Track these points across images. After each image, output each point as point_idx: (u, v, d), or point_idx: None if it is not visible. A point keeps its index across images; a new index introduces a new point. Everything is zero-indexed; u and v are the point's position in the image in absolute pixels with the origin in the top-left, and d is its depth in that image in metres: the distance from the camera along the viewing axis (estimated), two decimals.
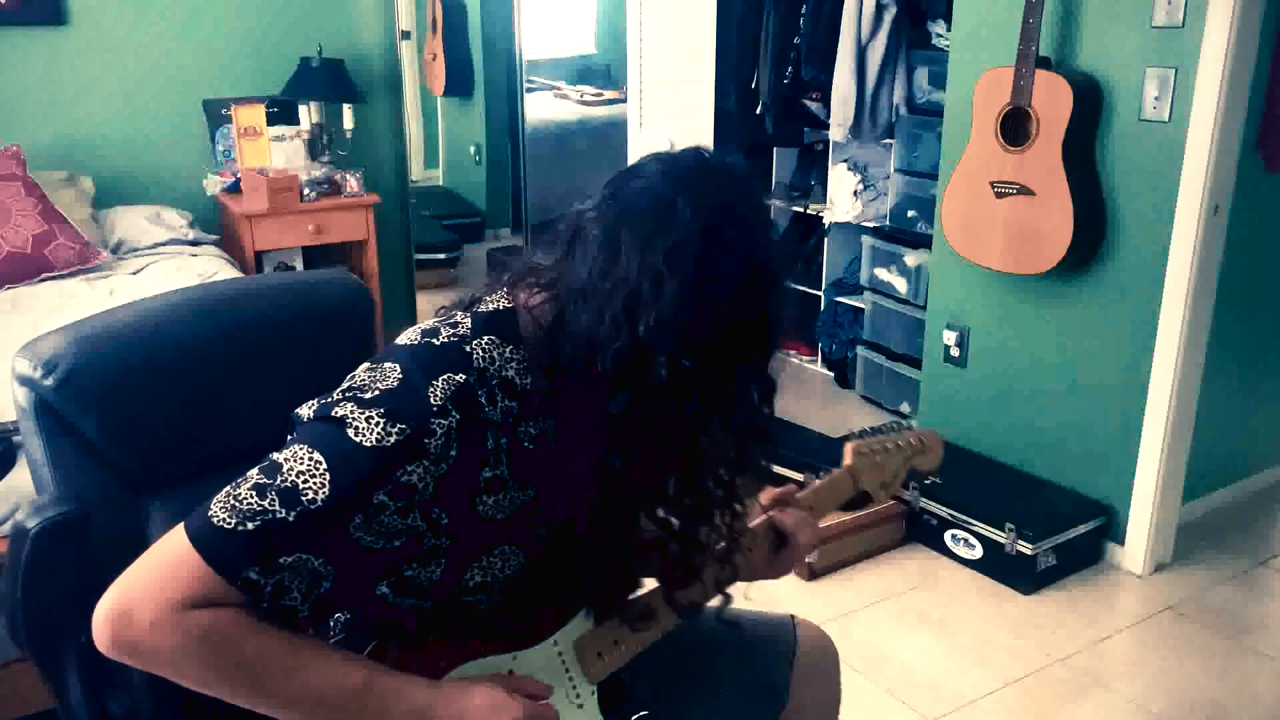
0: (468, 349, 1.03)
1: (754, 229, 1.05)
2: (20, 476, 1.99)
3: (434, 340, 1.04)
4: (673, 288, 0.99)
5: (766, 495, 1.34)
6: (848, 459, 1.41)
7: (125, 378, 1.26)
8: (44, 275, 3.17)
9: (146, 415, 1.28)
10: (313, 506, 0.96)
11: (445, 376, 1.01)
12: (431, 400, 0.99)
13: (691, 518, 1.16)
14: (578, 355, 1.03)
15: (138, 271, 3.30)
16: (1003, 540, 2.84)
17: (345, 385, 1.03)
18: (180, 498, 1.28)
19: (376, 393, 1.00)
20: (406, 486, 0.99)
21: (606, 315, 1.00)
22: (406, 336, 1.07)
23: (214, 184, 3.84)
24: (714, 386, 1.04)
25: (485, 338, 1.04)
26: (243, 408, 1.35)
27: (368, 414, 0.98)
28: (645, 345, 1.00)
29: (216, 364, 1.34)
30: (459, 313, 1.08)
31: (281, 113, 3.90)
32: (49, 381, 1.22)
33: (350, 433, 0.98)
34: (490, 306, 1.09)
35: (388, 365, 1.03)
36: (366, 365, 1.05)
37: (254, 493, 0.97)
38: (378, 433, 0.98)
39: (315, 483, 0.97)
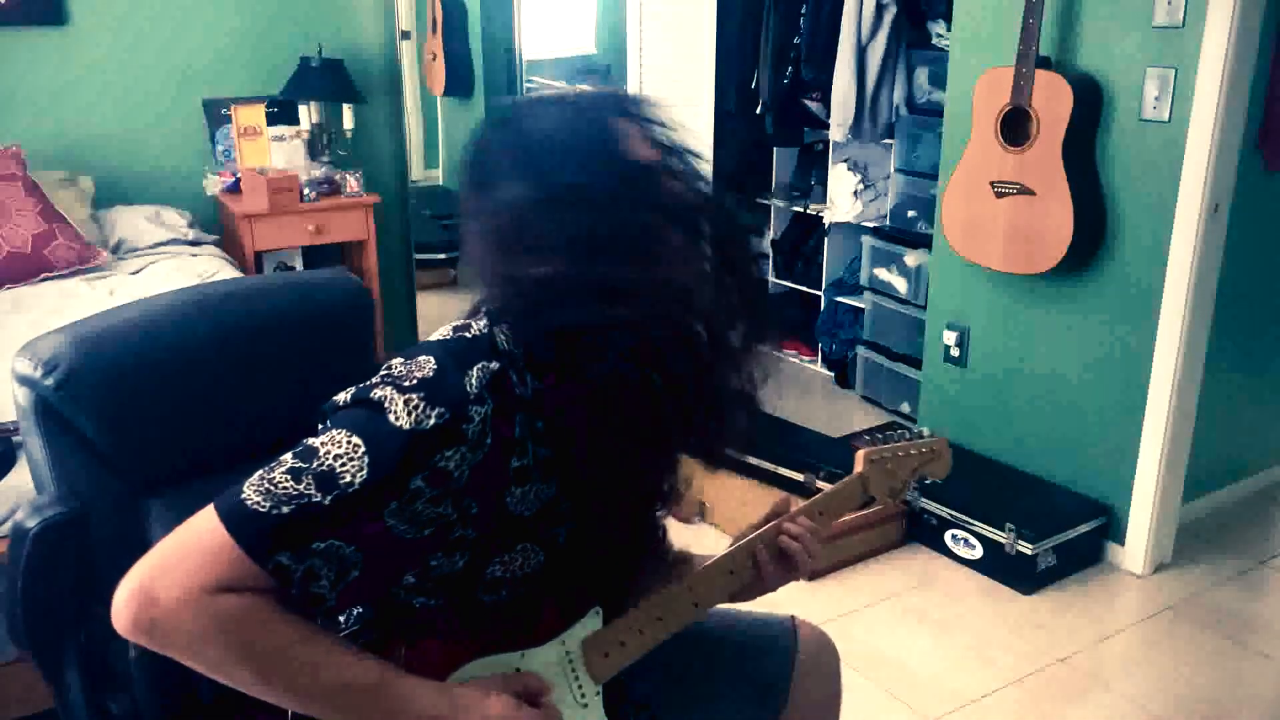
0: (495, 338, 1.07)
1: (573, 157, 1.04)
2: (20, 476, 1.99)
3: (466, 334, 1.07)
4: (550, 232, 1.01)
5: (763, 509, 1.34)
6: (859, 466, 1.41)
7: (125, 378, 1.26)
8: (44, 275, 3.17)
9: (146, 415, 1.28)
10: (350, 490, 0.97)
11: (480, 365, 1.03)
12: (468, 388, 1.01)
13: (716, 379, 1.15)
14: (535, 340, 1.06)
15: (138, 271, 3.30)
16: (1003, 540, 2.84)
17: (381, 373, 1.04)
18: (180, 497, 1.27)
19: (414, 380, 1.01)
20: (443, 473, 1.00)
21: (518, 289, 1.03)
22: (439, 333, 1.10)
23: (214, 184, 3.84)
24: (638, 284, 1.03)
25: (504, 327, 1.08)
26: (243, 408, 1.35)
27: (406, 398, 0.99)
28: (572, 283, 1.01)
29: (216, 364, 1.34)
30: (482, 309, 1.11)
31: (281, 113, 3.89)
32: (49, 381, 1.22)
33: (390, 416, 0.99)
34: (496, 306, 1.12)
35: (422, 358, 1.04)
36: (400, 359, 1.06)
37: (289, 477, 0.97)
38: (416, 415, 0.98)
39: (353, 465, 0.97)
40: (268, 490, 0.96)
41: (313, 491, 0.96)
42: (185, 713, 1.23)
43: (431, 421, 0.98)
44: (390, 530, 1.00)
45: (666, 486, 1.24)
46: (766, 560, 1.28)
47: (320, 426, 1.03)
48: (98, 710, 1.25)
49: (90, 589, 1.20)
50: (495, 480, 1.04)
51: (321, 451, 0.98)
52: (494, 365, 1.03)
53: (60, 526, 1.19)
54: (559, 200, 1.01)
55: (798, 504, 1.34)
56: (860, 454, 1.41)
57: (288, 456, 0.99)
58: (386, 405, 0.99)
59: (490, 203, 1.04)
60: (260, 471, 0.98)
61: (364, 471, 0.97)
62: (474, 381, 1.02)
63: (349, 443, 0.98)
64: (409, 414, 0.98)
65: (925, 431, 1.50)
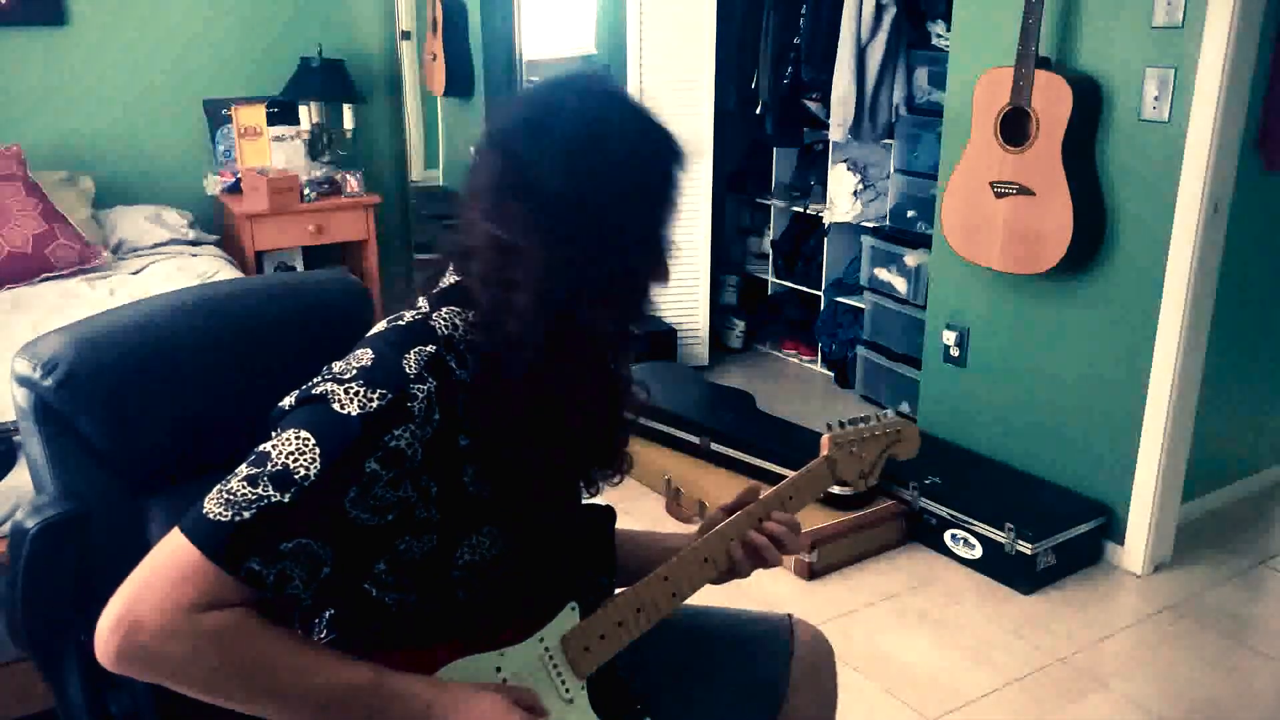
0: (431, 323, 1.08)
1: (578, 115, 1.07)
2: (20, 476, 1.99)
3: (399, 322, 1.10)
4: (498, 171, 1.06)
5: (733, 496, 1.34)
6: (825, 449, 1.42)
7: (125, 378, 1.26)
8: (44, 275, 3.18)
9: (146, 415, 1.28)
10: (306, 483, 0.97)
11: (416, 349, 1.05)
12: (407, 369, 1.03)
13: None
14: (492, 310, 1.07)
15: (138, 271, 3.31)
16: (1003, 540, 2.84)
17: (321, 374, 1.06)
18: (180, 498, 1.27)
19: (353, 371, 1.03)
20: (396, 453, 1.01)
21: (482, 247, 1.06)
22: (375, 328, 1.12)
23: (214, 184, 3.84)
24: (579, 254, 1.06)
25: (444, 309, 1.10)
26: (242, 408, 1.34)
27: (347, 386, 1.01)
28: (508, 244, 1.04)
29: (216, 364, 1.34)
30: (420, 297, 1.14)
31: (281, 113, 3.90)
32: (49, 381, 1.22)
33: (335, 406, 1.00)
34: (443, 284, 1.14)
35: (359, 351, 1.07)
36: (338, 360, 1.08)
37: (246, 484, 0.98)
38: (360, 400, 1.00)
39: (305, 459, 0.98)
40: (227, 500, 0.97)
41: (271, 492, 0.97)
42: (184, 713, 1.23)
43: (375, 403, 1.00)
44: (354, 520, 1.01)
45: (594, 464, 1.27)
46: (741, 556, 1.29)
47: (272, 433, 1.04)
48: (98, 710, 1.25)
49: (90, 589, 1.20)
50: (449, 458, 1.06)
51: (274, 454, 0.99)
52: (430, 348, 1.05)
53: (60, 526, 1.19)
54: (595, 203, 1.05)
55: (767, 490, 1.34)
56: (825, 438, 1.42)
57: (243, 466, 1.00)
58: (330, 398, 1.01)
59: (535, 179, 1.05)
60: (218, 485, 0.99)
61: (317, 463, 0.98)
62: (413, 364, 1.04)
63: (298, 439, 0.99)
64: (352, 400, 1.00)
65: (890, 414, 1.50)
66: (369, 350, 1.06)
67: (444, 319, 1.09)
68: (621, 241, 1.07)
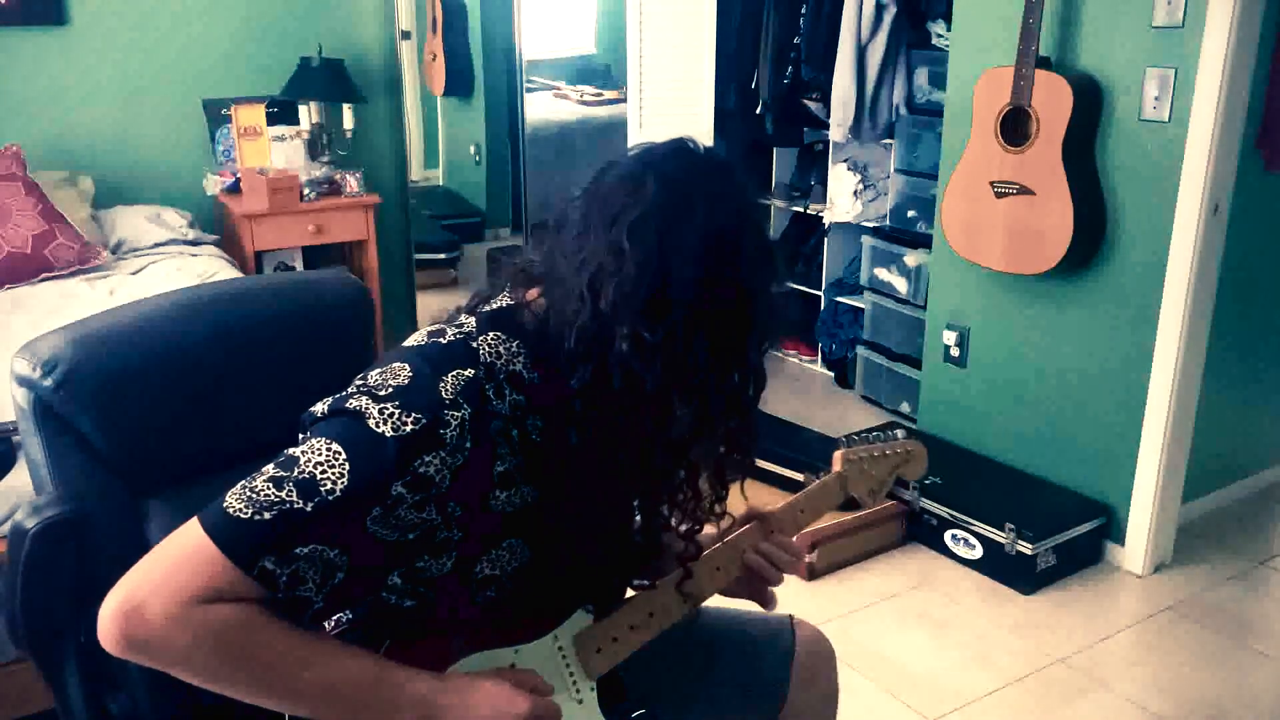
0: (474, 345, 1.06)
1: (724, 205, 1.04)
2: (20, 476, 1.99)
3: (440, 339, 1.07)
4: (634, 259, 1.00)
5: (741, 513, 1.33)
6: (837, 465, 1.44)
7: (125, 378, 1.26)
8: (44, 275, 3.17)
9: (146, 415, 1.28)
10: (331, 497, 0.97)
11: (454, 372, 1.03)
12: (443, 393, 1.01)
13: (654, 494, 1.17)
14: (562, 340, 1.04)
15: (138, 271, 3.30)
16: (1003, 540, 2.84)
17: (356, 383, 1.04)
18: (180, 498, 1.28)
19: (390, 389, 1.01)
20: (424, 478, 1.00)
21: (574, 293, 1.02)
22: (413, 339, 1.10)
23: (214, 184, 3.84)
24: (680, 364, 1.02)
25: (490, 334, 1.07)
26: (242, 408, 1.35)
27: (382, 406, 1.00)
28: (607, 318, 1.01)
29: (216, 364, 1.34)
30: (463, 315, 1.11)
31: (281, 113, 3.89)
32: (48, 382, 1.22)
33: (369, 424, 0.99)
34: (493, 306, 1.11)
35: (396, 365, 1.04)
36: (375, 367, 1.06)
37: (270, 485, 0.97)
38: (394, 422, 0.99)
39: (334, 473, 0.98)
40: (250, 498, 0.97)
41: (294, 499, 0.97)
42: (184, 713, 1.23)
43: (409, 427, 0.99)
44: (374, 535, 1.00)
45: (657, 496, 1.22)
46: (754, 564, 1.30)
47: (300, 437, 1.03)
48: (98, 710, 1.25)
49: (89, 589, 1.20)
50: (478, 484, 1.04)
51: (302, 460, 0.98)
52: (468, 372, 1.03)
53: (59, 527, 1.18)
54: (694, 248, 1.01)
55: (781, 498, 1.35)
56: (838, 454, 1.45)
57: (269, 467, 0.99)
58: (364, 413, 1.00)
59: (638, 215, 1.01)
60: (242, 482, 0.99)
61: (345, 479, 0.97)
62: (449, 387, 1.02)
63: (329, 450, 0.99)
64: (387, 421, 0.99)
65: (900, 433, 1.52)
66: (406, 366, 1.04)
67: (488, 345, 1.06)
68: (726, 342, 1.04)
